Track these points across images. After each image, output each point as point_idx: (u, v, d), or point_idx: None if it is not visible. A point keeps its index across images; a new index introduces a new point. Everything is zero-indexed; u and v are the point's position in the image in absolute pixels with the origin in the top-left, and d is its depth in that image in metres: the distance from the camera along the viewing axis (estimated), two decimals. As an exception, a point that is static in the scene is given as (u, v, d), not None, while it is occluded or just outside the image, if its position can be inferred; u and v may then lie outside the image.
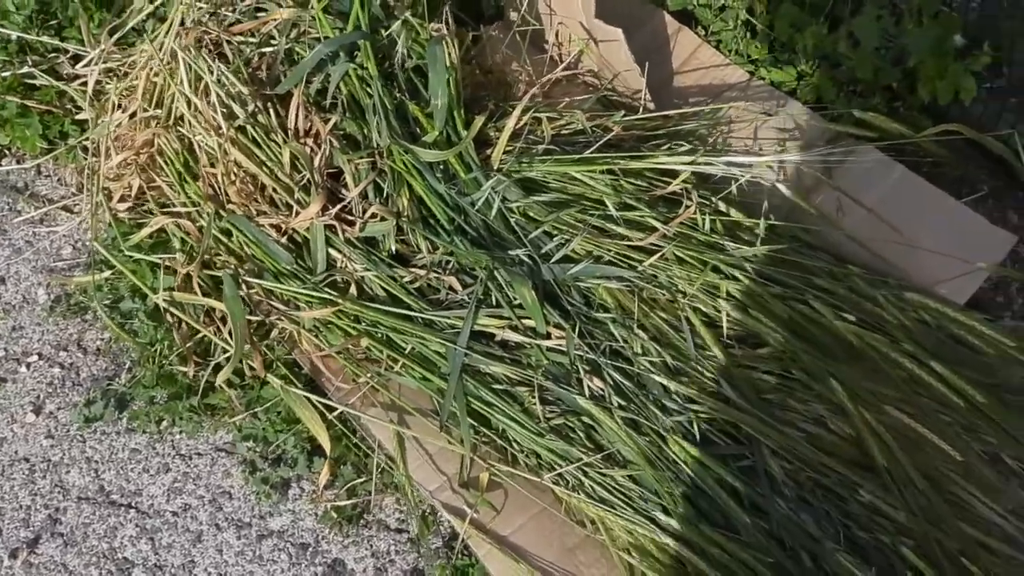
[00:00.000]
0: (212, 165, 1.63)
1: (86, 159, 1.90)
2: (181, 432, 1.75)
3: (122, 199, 1.77)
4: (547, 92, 1.70)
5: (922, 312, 1.54)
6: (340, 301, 1.53)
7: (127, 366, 1.82)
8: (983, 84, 1.59)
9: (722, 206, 1.54)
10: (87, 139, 1.86)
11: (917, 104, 1.63)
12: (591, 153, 1.56)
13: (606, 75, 1.73)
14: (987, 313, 1.56)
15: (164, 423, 1.75)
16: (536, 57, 1.78)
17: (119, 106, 1.76)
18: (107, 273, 1.80)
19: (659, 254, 1.48)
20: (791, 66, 1.75)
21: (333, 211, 1.57)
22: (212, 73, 1.61)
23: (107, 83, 1.83)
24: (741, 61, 1.80)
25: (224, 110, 1.61)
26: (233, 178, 1.61)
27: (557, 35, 1.78)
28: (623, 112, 1.62)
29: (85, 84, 1.86)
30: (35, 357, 1.85)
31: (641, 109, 1.65)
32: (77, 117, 1.98)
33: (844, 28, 1.67)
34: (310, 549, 1.63)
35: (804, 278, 1.50)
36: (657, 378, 1.45)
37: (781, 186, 1.56)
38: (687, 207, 1.50)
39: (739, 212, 1.55)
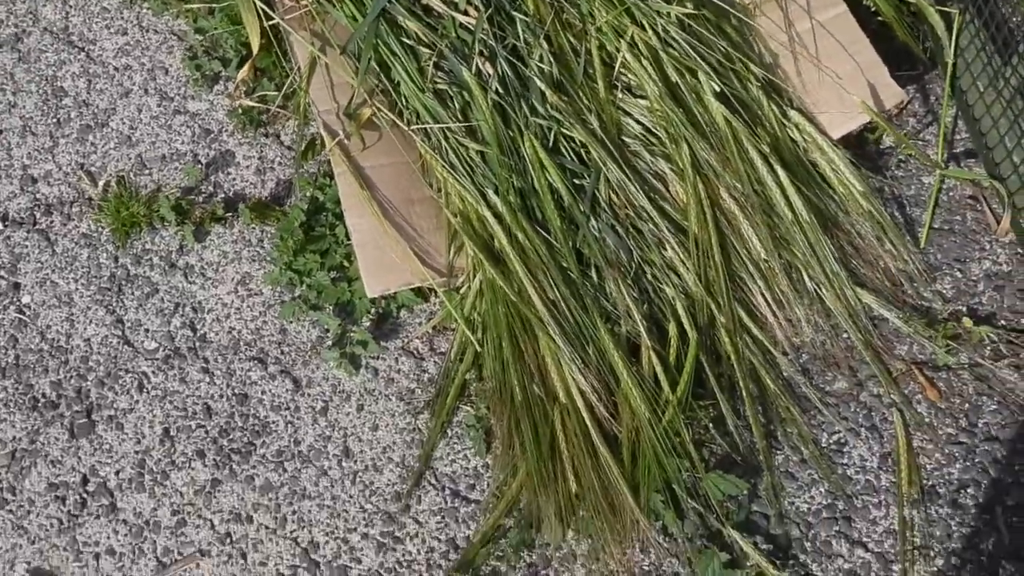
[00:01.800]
0: None
1: None
2: (148, 8, 1.95)
3: None
4: None
5: (796, 131, 1.66)
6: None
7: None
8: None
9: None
10: None
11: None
12: None
13: None
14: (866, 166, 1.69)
15: (137, -6, 1.95)
16: None
17: None
18: None
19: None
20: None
21: None
22: None
23: None
24: None
25: None
26: None
27: None
28: None
29: None
30: None
31: None
32: None
33: None
34: (211, 135, 1.84)
35: (704, 51, 1.63)
36: (540, 84, 1.61)
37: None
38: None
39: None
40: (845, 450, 1.53)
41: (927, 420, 1.54)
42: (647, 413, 1.47)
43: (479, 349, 1.57)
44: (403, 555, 1.49)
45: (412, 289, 1.64)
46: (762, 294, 1.59)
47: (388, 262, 1.60)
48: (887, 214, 1.67)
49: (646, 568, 1.46)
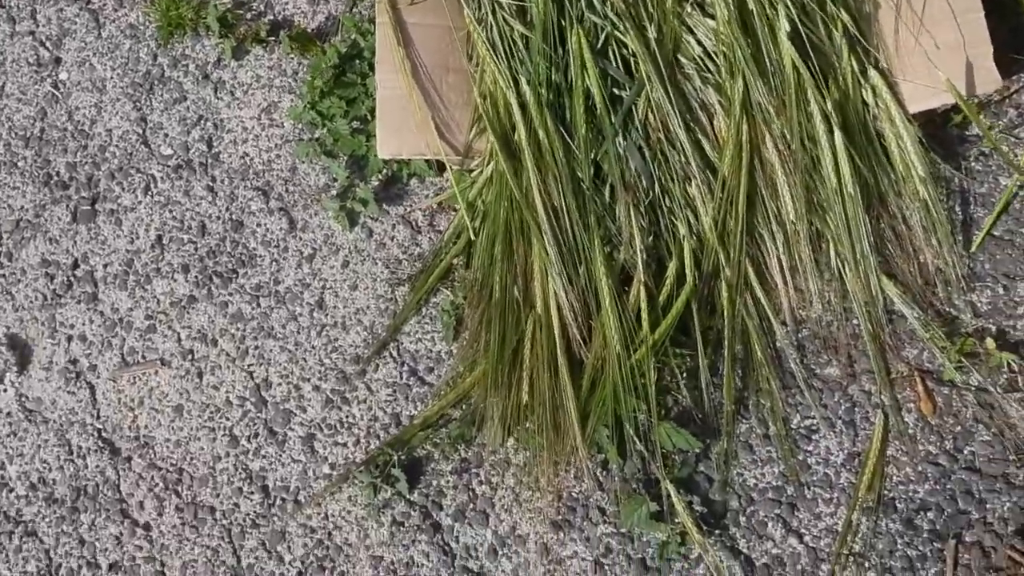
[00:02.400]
0: None
1: None
2: None
3: None
4: None
5: (871, 94, 1.52)
6: None
7: None
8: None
9: None
10: None
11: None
12: None
13: None
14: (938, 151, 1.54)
15: None
16: None
17: None
18: None
19: None
20: None
21: None
22: None
23: None
24: None
25: None
26: None
27: None
28: None
29: None
30: None
31: None
32: None
33: None
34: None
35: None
36: (605, -16, 1.49)
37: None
38: None
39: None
40: (814, 438, 1.45)
41: (911, 431, 1.44)
42: (618, 346, 1.41)
43: (473, 238, 1.52)
44: (346, 416, 1.49)
45: (427, 160, 1.58)
46: (778, 257, 1.50)
47: (407, 126, 1.55)
48: (944, 207, 1.53)
49: (574, 495, 1.43)
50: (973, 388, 1.45)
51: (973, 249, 1.53)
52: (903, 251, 1.51)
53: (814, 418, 1.45)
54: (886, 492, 1.42)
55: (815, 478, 1.43)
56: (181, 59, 1.71)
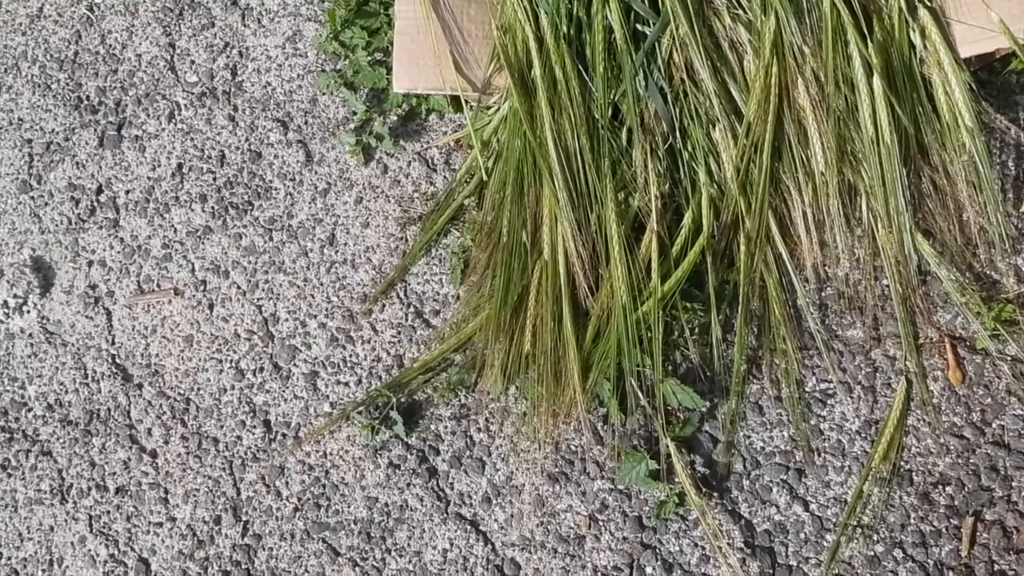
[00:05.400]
0: None
1: None
2: None
3: None
4: None
5: (919, 35, 1.40)
6: None
7: None
8: None
9: None
10: None
11: None
12: None
13: None
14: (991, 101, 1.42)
15: None
16: None
17: None
18: None
19: None
20: None
21: None
22: None
23: None
24: None
25: None
26: None
27: None
28: None
29: None
30: None
31: None
32: None
33: None
34: None
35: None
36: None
37: None
38: None
39: None
40: (829, 403, 1.38)
41: (935, 401, 1.36)
42: (625, 297, 1.35)
43: (485, 178, 1.47)
44: (350, 355, 1.48)
45: (446, 95, 1.53)
46: (804, 210, 1.41)
47: (424, 60, 1.49)
48: (994, 162, 1.41)
49: (572, 448, 1.39)
50: (1009, 359, 1.35)
51: (1023, 209, 1.41)
52: (943, 207, 1.40)
53: (831, 382, 1.38)
54: (903, 463, 1.34)
55: (827, 444, 1.36)
56: (210, -17, 1.68)
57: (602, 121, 1.40)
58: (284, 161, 1.58)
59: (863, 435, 1.36)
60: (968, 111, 1.38)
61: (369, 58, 1.57)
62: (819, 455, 1.36)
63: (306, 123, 1.59)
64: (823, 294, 1.42)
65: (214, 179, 1.58)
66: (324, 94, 1.60)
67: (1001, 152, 1.44)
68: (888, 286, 1.39)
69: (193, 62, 1.66)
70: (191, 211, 1.57)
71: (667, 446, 1.35)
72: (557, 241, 1.40)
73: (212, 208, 1.57)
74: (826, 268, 1.42)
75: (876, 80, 1.37)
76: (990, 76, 1.46)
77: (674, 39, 1.40)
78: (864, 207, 1.41)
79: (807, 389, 1.39)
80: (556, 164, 1.38)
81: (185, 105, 1.63)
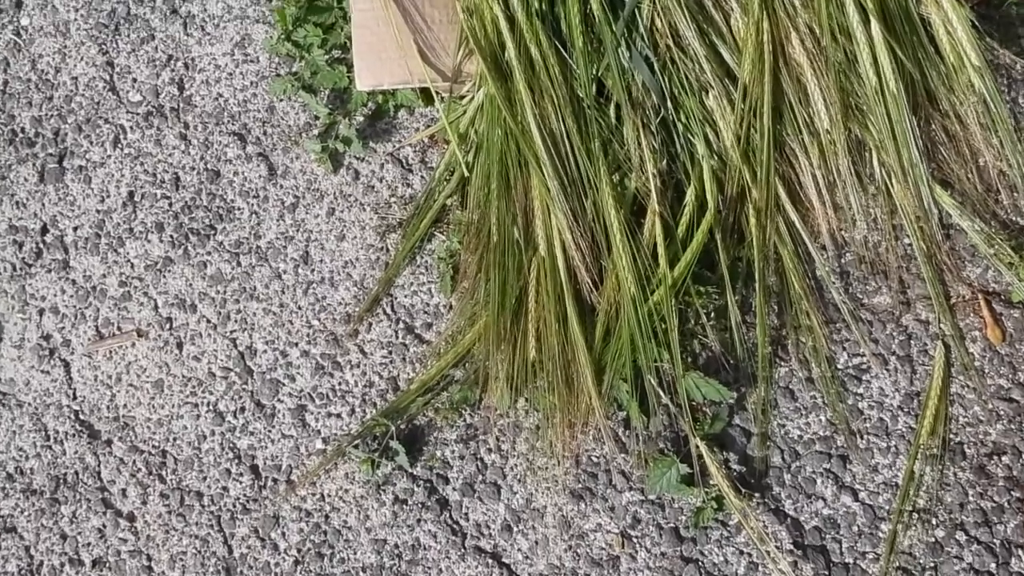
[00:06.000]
0: None
1: None
2: None
3: None
4: None
5: (916, -25, 1.29)
6: None
7: None
8: None
9: None
10: None
11: None
12: None
13: None
14: (994, 36, 1.31)
15: None
16: None
17: None
18: None
19: None
20: None
21: None
22: None
23: None
24: None
25: None
26: None
27: None
28: None
29: None
30: None
31: None
32: None
33: None
34: None
35: None
36: None
37: None
38: None
39: None
40: (865, 378, 1.27)
41: (977, 364, 1.25)
42: (633, 288, 1.23)
43: (467, 174, 1.34)
44: (339, 383, 1.34)
45: (415, 89, 1.40)
46: (813, 173, 1.30)
47: (387, 52, 1.37)
48: (1005, 100, 1.31)
49: (594, 459, 1.27)
50: (1050, 309, 1.25)
51: (1044, 147, 1.31)
52: (958, 155, 1.30)
53: (864, 355, 1.27)
54: (952, 436, 1.23)
55: (868, 425, 1.25)
56: (144, -5, 1.54)
57: (587, 99, 1.28)
58: (245, 178, 1.44)
59: (906, 410, 1.25)
60: (973, 49, 1.28)
61: (327, 57, 1.44)
62: (861, 437, 1.25)
63: (265, 134, 1.46)
64: (843, 261, 1.31)
65: (170, 205, 1.45)
66: (281, 100, 1.47)
67: (1010, 89, 1.34)
68: (911, 245, 1.28)
69: (135, 80, 1.52)
70: (148, 243, 1.43)
71: (697, 446, 1.23)
72: (552, 234, 1.28)
73: (171, 237, 1.43)
74: (843, 233, 1.31)
75: (874, 25, 1.26)
76: (989, 11, 1.36)
77: (655, 3, 1.28)
78: (876, 163, 1.30)
79: (839, 366, 1.27)
80: (542, 151, 1.26)
81: (131, 128, 1.49)
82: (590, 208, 1.27)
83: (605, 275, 1.27)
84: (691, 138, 1.30)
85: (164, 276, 1.43)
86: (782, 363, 1.28)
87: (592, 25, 1.30)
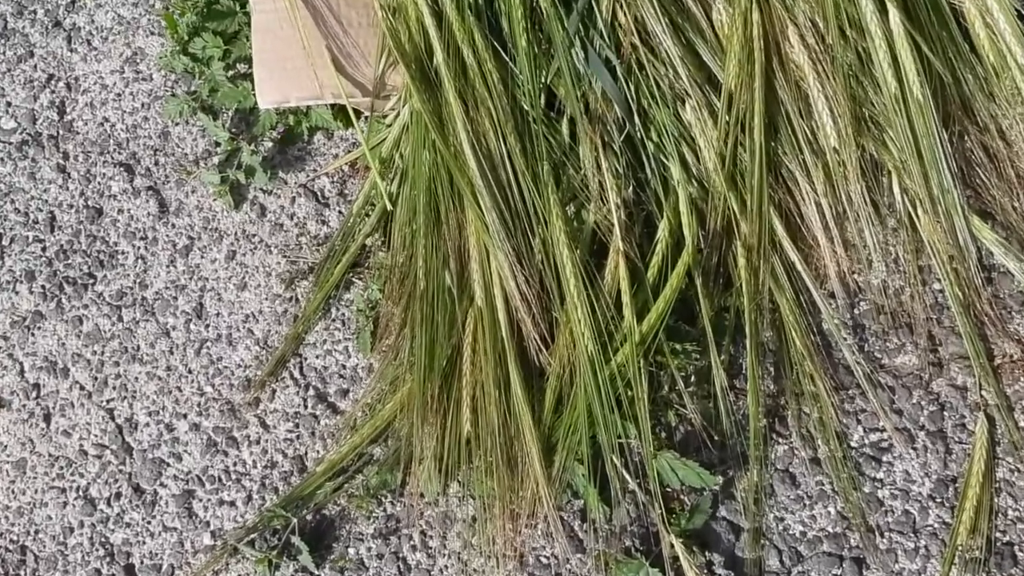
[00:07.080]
0: None
1: None
2: None
3: None
4: None
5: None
6: None
7: None
8: None
9: None
10: None
11: None
12: None
13: None
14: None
15: None
16: None
17: None
18: None
19: None
20: None
21: None
22: None
23: None
24: None
25: None
26: None
27: None
28: None
29: None
30: None
31: None
32: None
33: None
34: None
35: None
36: None
37: None
38: None
39: None
40: (886, 459, 1.00)
41: (1029, 441, 0.98)
42: (591, 346, 0.97)
43: (389, 207, 1.08)
44: (235, 463, 1.08)
45: (331, 106, 1.16)
46: (817, 202, 1.04)
47: (293, 62, 1.13)
48: (1058, 110, 1.06)
49: (544, 560, 1.00)
50: (1120, 372, 0.97)
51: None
52: (1001, 178, 1.04)
53: (884, 431, 1.00)
54: (999, 535, 0.96)
55: (891, 519, 0.98)
56: (28, 4, 1.31)
57: (533, 113, 1.03)
58: (132, 216, 1.19)
59: (938, 500, 0.98)
60: (1019, 45, 1.02)
61: (230, 72, 1.20)
62: (882, 535, 0.98)
63: (156, 164, 1.21)
64: (856, 312, 1.05)
65: (43, 250, 1.20)
66: (177, 124, 1.22)
67: (1063, 98, 1.07)
68: (942, 291, 1.01)
69: (9, 104, 1.28)
70: (15, 294, 1.19)
71: (672, 545, 0.96)
72: (491, 280, 1.02)
73: (42, 287, 1.18)
74: (856, 277, 1.05)
75: (893, 16, 1.01)
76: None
77: (617, -7, 1.03)
78: (896, 189, 1.05)
79: (853, 444, 1.01)
80: (478, 177, 1.01)
81: (1, 159, 1.25)
82: (538, 247, 1.02)
83: (557, 330, 1.01)
84: (664, 159, 1.05)
85: (32, 334, 1.18)
86: (780, 440, 1.02)
87: (539, 22, 1.05)
